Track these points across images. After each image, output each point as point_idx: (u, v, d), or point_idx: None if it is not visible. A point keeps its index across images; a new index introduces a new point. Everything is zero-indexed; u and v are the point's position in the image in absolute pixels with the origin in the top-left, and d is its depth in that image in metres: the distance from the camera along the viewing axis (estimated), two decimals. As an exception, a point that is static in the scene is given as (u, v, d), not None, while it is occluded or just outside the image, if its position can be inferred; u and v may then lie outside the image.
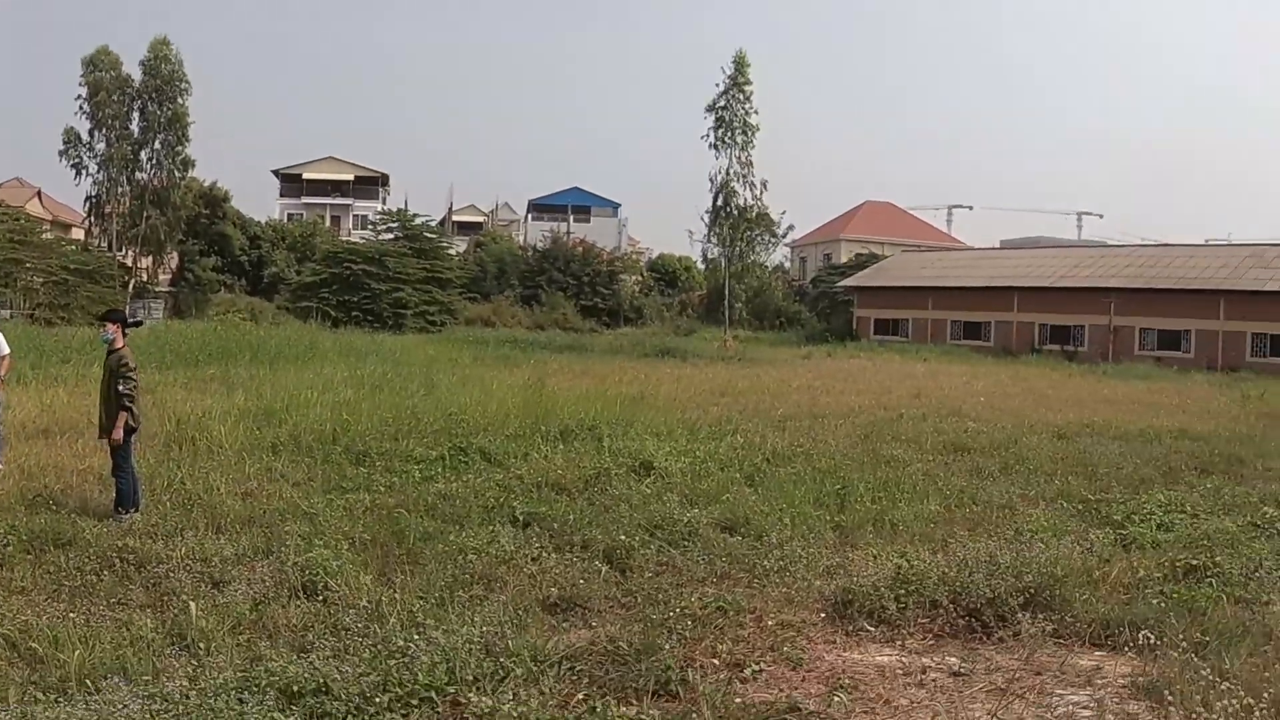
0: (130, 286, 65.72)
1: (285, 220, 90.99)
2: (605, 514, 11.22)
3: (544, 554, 9.60)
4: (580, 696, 6.14)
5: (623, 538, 9.99)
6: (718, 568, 9.49)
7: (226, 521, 11.09)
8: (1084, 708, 6.30)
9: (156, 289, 70.93)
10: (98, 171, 67.69)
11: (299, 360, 32.42)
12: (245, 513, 11.47)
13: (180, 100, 67.69)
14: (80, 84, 66.30)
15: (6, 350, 15.55)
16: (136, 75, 67.19)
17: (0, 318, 47.53)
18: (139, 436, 12.53)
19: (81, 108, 66.40)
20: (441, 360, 35.08)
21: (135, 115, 67.66)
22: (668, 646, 6.76)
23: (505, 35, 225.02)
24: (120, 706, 5.90)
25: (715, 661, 6.80)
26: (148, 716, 5.79)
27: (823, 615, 8.14)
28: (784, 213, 65.00)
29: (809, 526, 11.13)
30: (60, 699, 6.17)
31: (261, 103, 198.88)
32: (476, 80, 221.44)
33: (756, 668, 6.79)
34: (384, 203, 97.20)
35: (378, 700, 5.97)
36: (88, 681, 6.52)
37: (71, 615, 7.91)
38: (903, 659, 7.28)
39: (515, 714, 5.73)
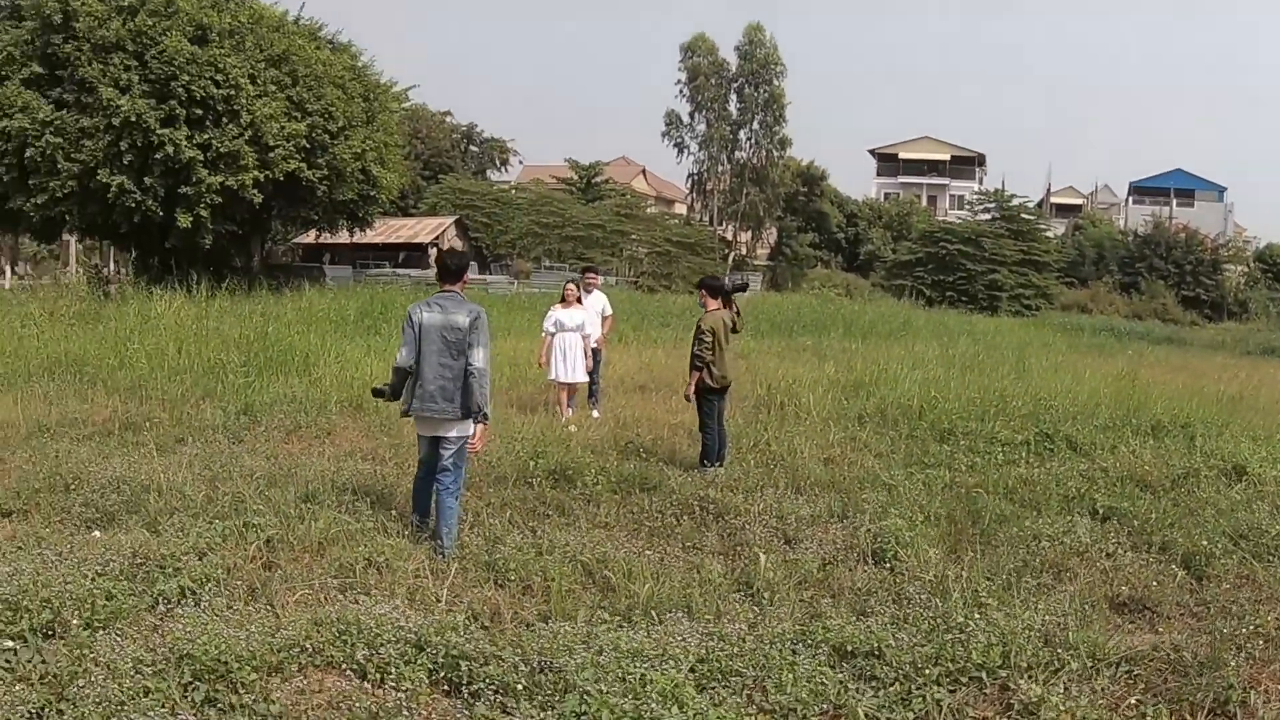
0: (729, 259, 69.52)
1: (882, 199, 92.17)
2: (1189, 516, 10.47)
3: (1120, 550, 9.12)
4: (1132, 701, 5.90)
5: (1204, 543, 9.34)
6: (1301, 587, 8.70)
7: (806, 484, 11.39)
8: None
9: (755, 262, 74.49)
10: (698, 150, 72.62)
11: (891, 336, 32.93)
12: (826, 477, 11.71)
13: (776, 82, 70.89)
14: (679, 69, 71.05)
15: (610, 312, 17.04)
16: (732, 60, 70.67)
17: (609, 283, 51.79)
18: (729, 397, 13.10)
19: (681, 91, 71.26)
20: (1034, 344, 34.33)
21: (733, 97, 71.53)
22: (1234, 663, 6.33)
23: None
24: (680, 639, 6.32)
25: (1280, 688, 6.32)
26: (704, 651, 6.17)
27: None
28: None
29: None
30: (624, 624, 6.70)
31: (858, 83, 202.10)
32: (1071, 58, 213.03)
33: (1325, 700, 6.22)
34: (980, 183, 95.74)
35: (927, 672, 6.02)
36: (652, 613, 6.99)
37: (647, 552, 8.49)
38: None
39: (1063, 707, 5.59)
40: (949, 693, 5.91)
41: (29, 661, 5.88)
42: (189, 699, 5.48)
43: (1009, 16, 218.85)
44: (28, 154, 33.06)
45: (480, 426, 8.71)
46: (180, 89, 33.22)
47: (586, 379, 15.88)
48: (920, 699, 5.78)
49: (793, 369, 21.32)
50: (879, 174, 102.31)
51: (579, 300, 16.09)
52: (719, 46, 71.83)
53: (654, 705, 5.26)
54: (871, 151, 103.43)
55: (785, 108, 71.12)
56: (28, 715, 5.27)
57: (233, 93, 33.91)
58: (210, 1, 35.59)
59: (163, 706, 5.30)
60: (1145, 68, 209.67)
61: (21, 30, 34.35)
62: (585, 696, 5.34)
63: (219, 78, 33.76)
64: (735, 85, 71.57)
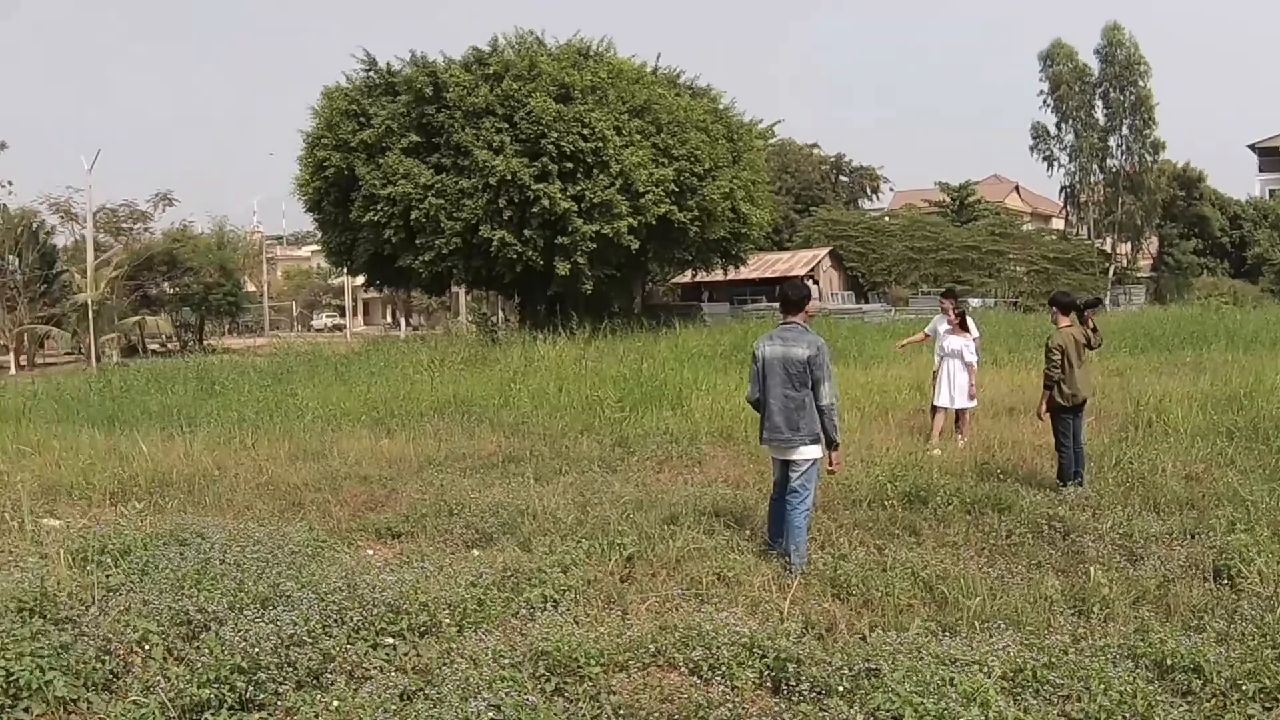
0: (1110, 273, 66.89)
1: (1266, 197, 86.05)
2: None
3: None
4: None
5: None
6: None
7: (1163, 501, 11.21)
8: None
9: (1137, 274, 71.32)
10: (1068, 161, 70.09)
11: (1276, 345, 31.02)
12: (1184, 495, 11.48)
13: (1142, 83, 67.67)
14: (1040, 79, 68.97)
15: (977, 334, 16.85)
16: (1093, 64, 68.15)
17: (986, 305, 50.93)
18: (1084, 414, 13.00)
19: (1045, 102, 69.08)
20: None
21: (1098, 103, 68.91)
22: None
23: None
24: (1000, 648, 6.57)
25: None
26: (1023, 660, 6.39)
27: None
28: None
29: None
30: (947, 635, 7.02)
31: (1229, 76, 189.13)
32: None
33: None
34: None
35: (1244, 687, 6.06)
36: (975, 624, 7.32)
37: (988, 569, 8.76)
38: None
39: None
40: (1264, 710, 5.94)
41: (405, 655, 6.92)
42: (540, 688, 6.29)
43: None
44: (413, 216, 36.38)
45: (834, 453, 9.47)
46: (550, 145, 35.57)
47: (961, 406, 15.84)
48: (1232, 715, 5.85)
49: (1166, 384, 20.57)
50: (1261, 170, 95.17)
51: (961, 325, 16.15)
52: (1078, 51, 69.73)
53: (956, 706, 5.60)
54: (1251, 146, 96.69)
55: (1154, 109, 68.10)
56: (398, 695, 6.21)
57: (600, 145, 35.94)
58: (570, 62, 37.88)
59: (515, 692, 6.08)
60: None
61: (397, 104, 37.88)
62: (893, 695, 5.76)
63: (585, 132, 35.90)
64: (1099, 90, 69.08)
